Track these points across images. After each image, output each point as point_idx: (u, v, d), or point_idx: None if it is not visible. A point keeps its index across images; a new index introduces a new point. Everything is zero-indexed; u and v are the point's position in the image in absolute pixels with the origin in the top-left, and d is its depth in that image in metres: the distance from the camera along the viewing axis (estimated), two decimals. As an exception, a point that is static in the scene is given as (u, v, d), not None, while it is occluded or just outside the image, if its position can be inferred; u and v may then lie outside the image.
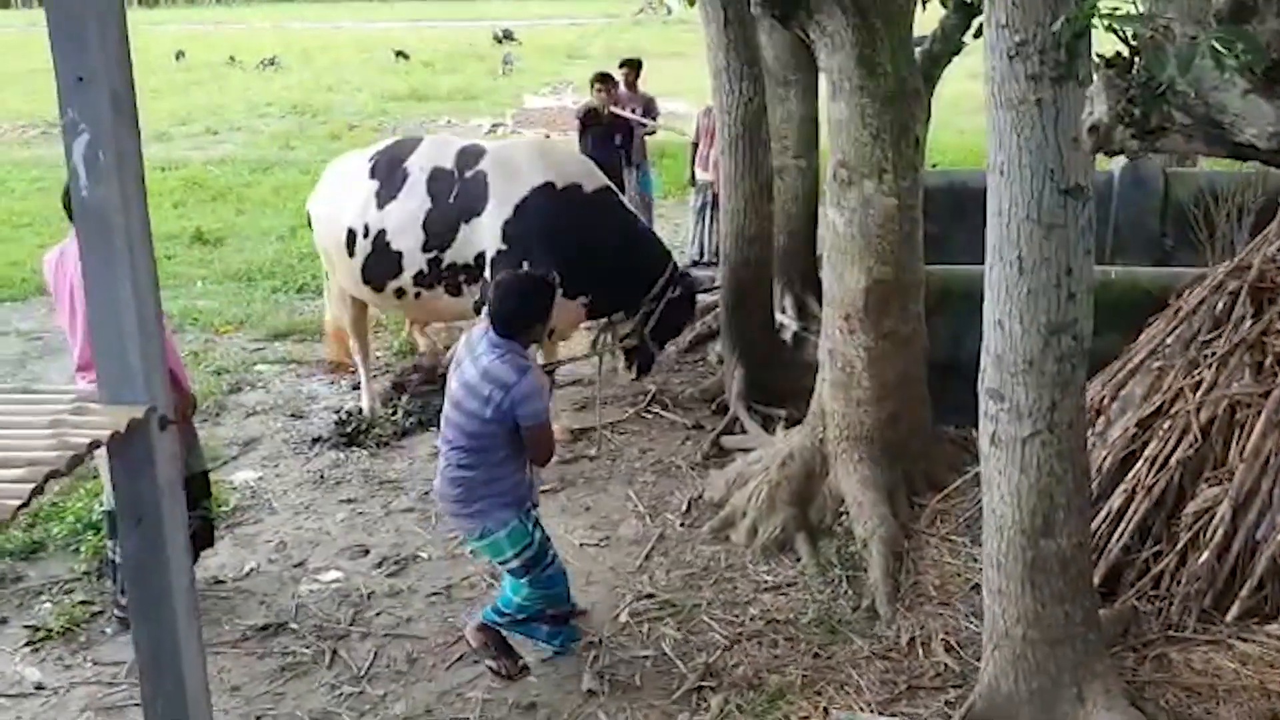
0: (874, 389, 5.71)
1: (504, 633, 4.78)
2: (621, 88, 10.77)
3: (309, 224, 7.48)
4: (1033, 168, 3.51)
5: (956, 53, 5.92)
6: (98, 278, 2.52)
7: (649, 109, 10.91)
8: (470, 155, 6.88)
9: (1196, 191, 8.18)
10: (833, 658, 4.75)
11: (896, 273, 5.61)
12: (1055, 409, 3.70)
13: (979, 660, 4.54)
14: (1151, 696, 4.20)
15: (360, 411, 7.37)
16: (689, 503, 6.10)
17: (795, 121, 8.75)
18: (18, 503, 2.06)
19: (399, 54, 30.32)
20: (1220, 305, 5.05)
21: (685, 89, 19.34)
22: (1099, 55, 2.64)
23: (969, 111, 16.14)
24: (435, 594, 5.39)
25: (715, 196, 10.19)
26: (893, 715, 4.35)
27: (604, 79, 10.20)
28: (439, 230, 6.72)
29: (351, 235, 6.89)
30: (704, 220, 10.67)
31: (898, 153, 5.48)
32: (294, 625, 5.14)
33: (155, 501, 2.60)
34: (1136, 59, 2.59)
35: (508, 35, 35.69)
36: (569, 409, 7.54)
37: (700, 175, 10.65)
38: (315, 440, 7.15)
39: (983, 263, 5.91)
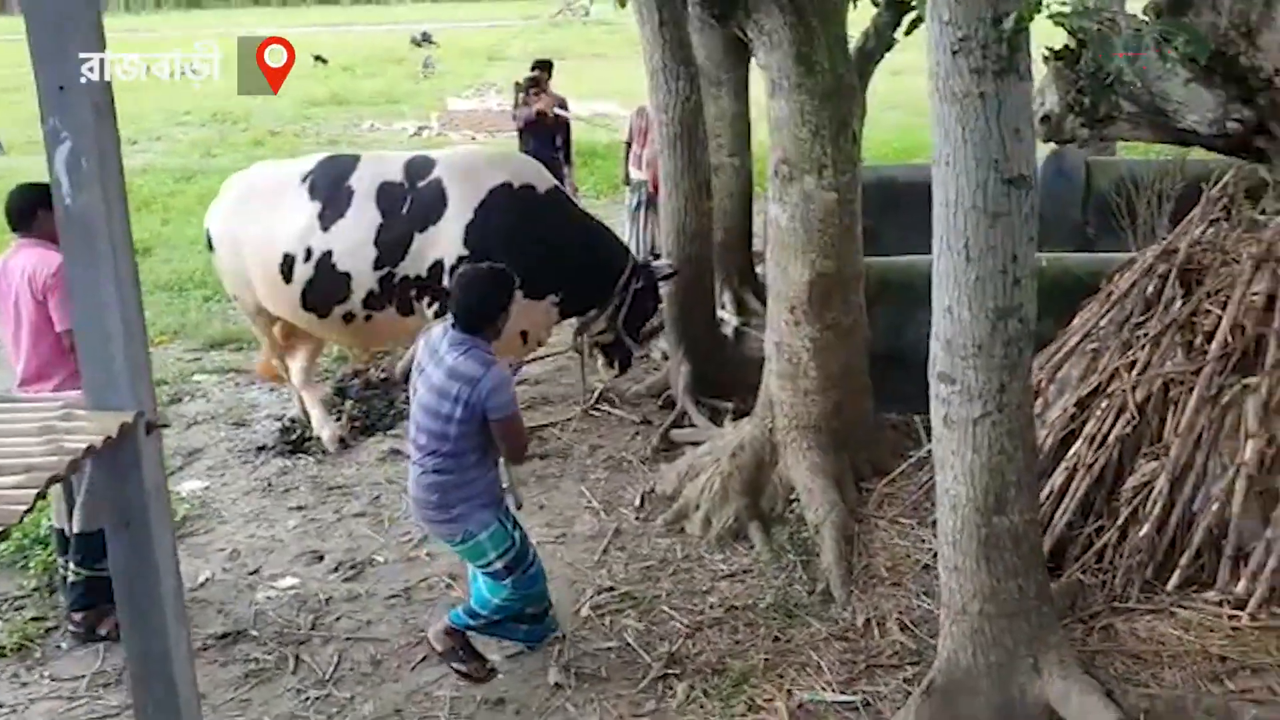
0: (820, 379, 5.84)
1: (471, 635, 4.77)
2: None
3: (209, 244, 7.00)
4: (978, 159, 3.64)
5: (889, 49, 6.07)
6: (82, 283, 2.54)
7: (562, 109, 11.03)
8: (420, 165, 6.76)
9: (1118, 180, 8.44)
10: (792, 641, 4.87)
11: (838, 265, 5.75)
12: (1004, 390, 3.84)
13: (934, 637, 4.69)
14: (1101, 665, 4.37)
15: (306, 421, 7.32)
16: (642, 497, 6.18)
17: (728, 120, 8.92)
18: (23, 508, 2.09)
19: (317, 58, 29.93)
20: (1150, 288, 5.25)
21: (611, 90, 19.45)
22: (1048, 49, 2.77)
23: (890, 107, 16.51)
24: (394, 596, 5.40)
25: (650, 195, 10.30)
26: (854, 694, 4.48)
27: (537, 82, 10.33)
28: (391, 245, 6.55)
29: (288, 261, 6.60)
30: (639, 219, 10.74)
31: (836, 148, 5.61)
32: (254, 632, 5.13)
33: (143, 505, 2.63)
34: (1084, 51, 2.72)
35: (426, 38, 35.45)
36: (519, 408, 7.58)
37: (635, 175, 10.72)
38: (260, 448, 7.11)
39: (915, 254, 6.12)
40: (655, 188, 10.02)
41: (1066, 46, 2.74)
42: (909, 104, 17.56)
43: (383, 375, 8.12)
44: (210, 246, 6.98)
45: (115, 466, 2.57)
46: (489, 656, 4.81)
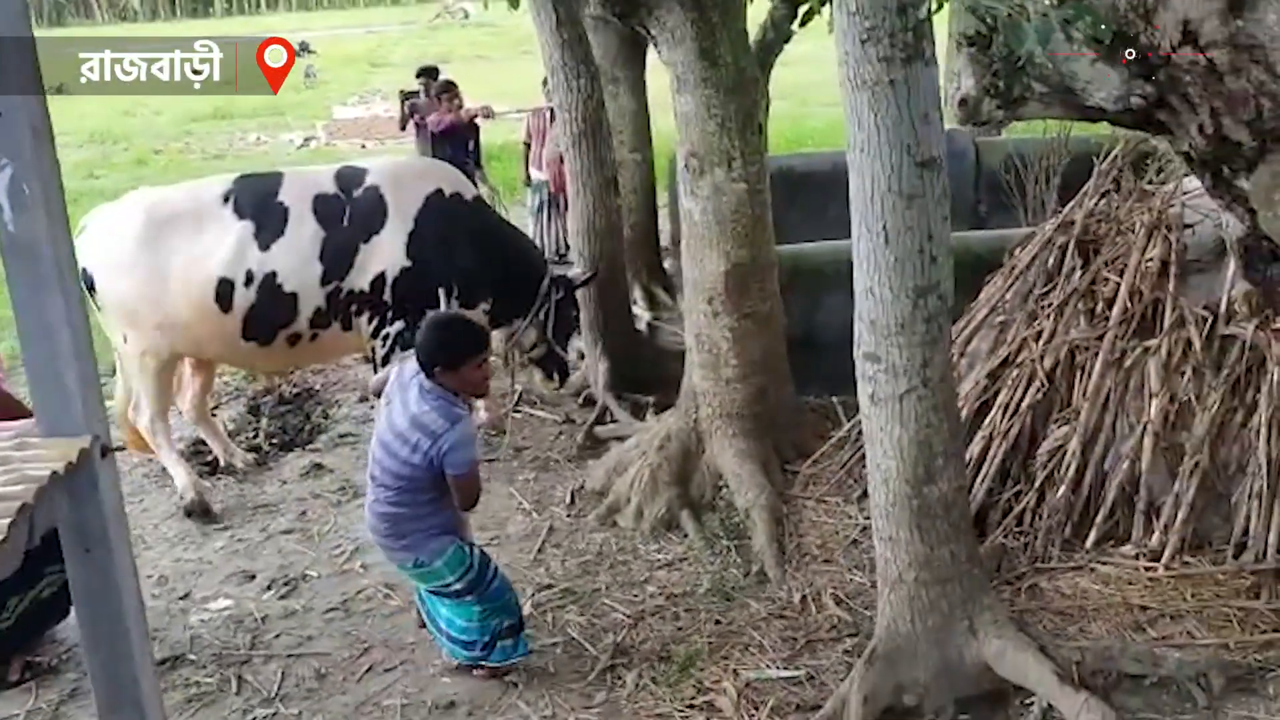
0: (741, 367, 5.96)
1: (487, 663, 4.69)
2: (422, 97, 10.92)
3: (90, 289, 6.09)
4: (891, 144, 3.78)
5: (787, 41, 6.22)
6: (29, 310, 2.51)
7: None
8: (352, 174, 6.49)
9: (1005, 158, 8.75)
10: (733, 623, 4.97)
11: (752, 254, 5.87)
12: (927, 365, 3.99)
13: (868, 609, 4.86)
14: (1031, 623, 4.56)
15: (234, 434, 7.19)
16: (572, 494, 6.24)
17: (628, 116, 9.02)
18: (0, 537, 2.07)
19: (194, 72, 29.27)
20: (1051, 260, 5.48)
21: (499, 92, 19.37)
22: (962, 34, 2.91)
23: (779, 98, 16.76)
24: (331, 610, 5.37)
25: (551, 195, 10.37)
26: (798, 669, 4.60)
27: (451, 87, 10.32)
28: (337, 257, 6.27)
29: (226, 286, 6.13)
30: (542, 219, 10.80)
31: (744, 140, 5.73)
32: (192, 656, 5.05)
33: (102, 529, 2.61)
34: (994, 36, 2.86)
35: (305, 47, 34.83)
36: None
37: (535, 175, 10.77)
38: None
39: (814, 241, 6.29)
40: (556, 187, 10.11)
41: (978, 31, 2.88)
42: (795, 94, 17.91)
43: (295, 390, 8.04)
44: (90, 287, 6.11)
45: (74, 492, 2.54)
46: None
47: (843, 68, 3.83)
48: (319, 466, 6.87)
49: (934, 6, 3.22)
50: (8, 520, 2.12)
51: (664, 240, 10.01)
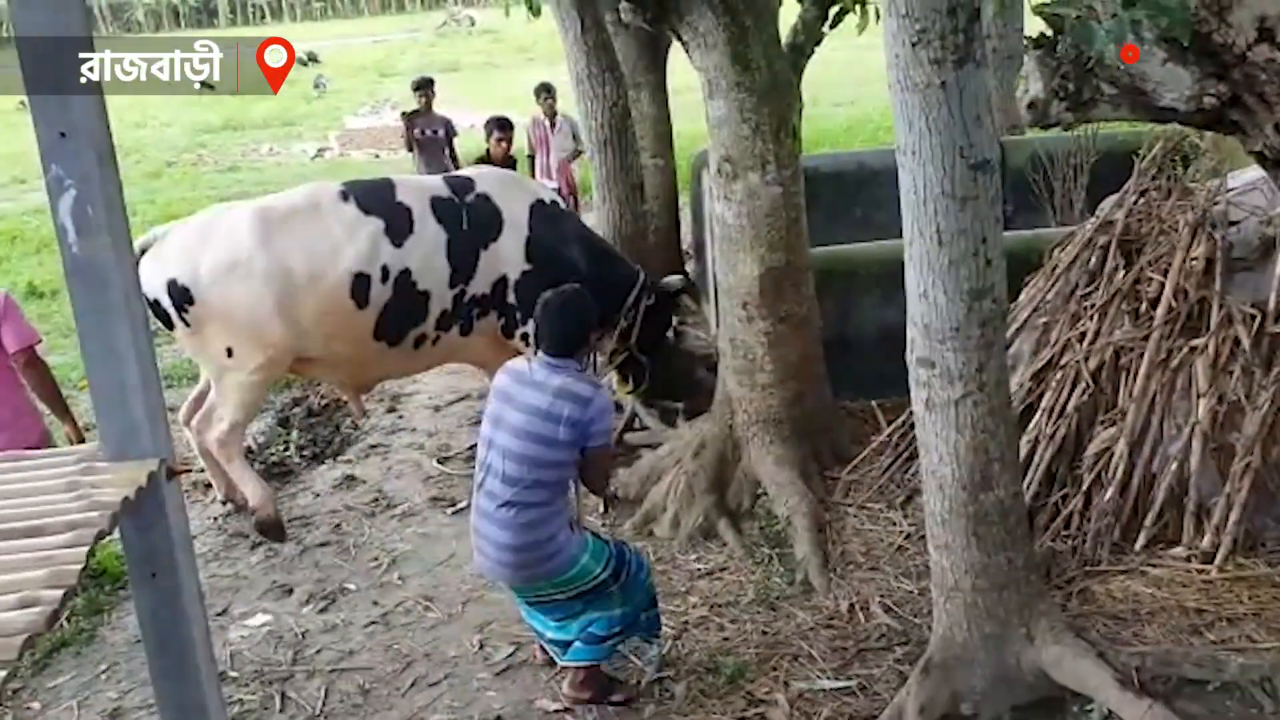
0: (777, 371, 5.91)
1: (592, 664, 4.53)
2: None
3: (183, 304, 5.87)
4: (943, 146, 3.73)
5: (818, 43, 6.17)
6: (94, 332, 2.48)
7: (449, 130, 10.57)
8: (461, 180, 6.51)
9: (1031, 157, 8.67)
10: (779, 633, 4.91)
11: (787, 258, 5.82)
12: (983, 370, 3.94)
13: (917, 617, 4.81)
14: (1084, 628, 4.50)
15: (252, 450, 7.14)
16: (605, 502, 6.18)
17: (649, 122, 8.98)
18: (79, 566, 2.03)
19: (204, 84, 29.33)
20: (1093, 260, 5.42)
21: (508, 99, 19.34)
22: (1028, 37, 2.86)
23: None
24: (372, 623, 5.33)
25: (565, 202, 10.30)
26: (849, 679, 4.55)
27: (503, 125, 9.20)
28: (462, 260, 6.22)
29: (363, 282, 6.00)
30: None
31: (778, 143, 5.69)
32: (233, 673, 5.01)
33: (169, 553, 2.58)
34: (1060, 39, 2.81)
35: (312, 58, 34.98)
36: (465, 425, 7.55)
37: (546, 185, 10.69)
38: (208, 485, 6.93)
39: (843, 242, 6.20)
40: (568, 190, 10.06)
41: (1043, 34, 2.83)
42: (804, 93, 17.80)
43: (323, 401, 8.01)
44: (187, 300, 5.85)
45: (140, 517, 2.51)
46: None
47: (892, 70, 3.78)
48: (351, 478, 6.84)
49: (990, 10, 3.17)
50: (85, 548, 2.08)
51: (684, 245, 9.97)
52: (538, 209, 6.49)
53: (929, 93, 3.69)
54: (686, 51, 5.79)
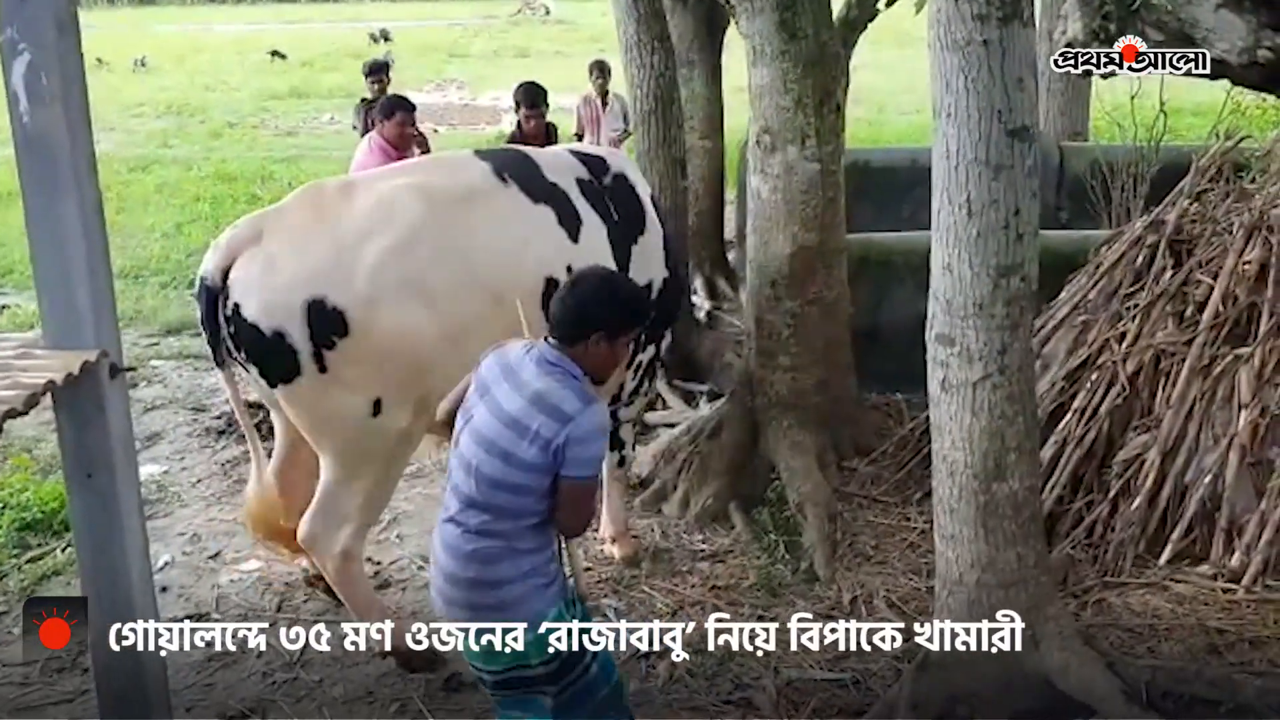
0: (801, 355, 5.71)
1: None
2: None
3: (331, 329, 3.99)
4: (980, 109, 3.52)
5: (873, 19, 5.96)
6: (41, 212, 2.36)
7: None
8: (593, 158, 5.02)
9: (1091, 164, 8.41)
10: (777, 619, 4.72)
11: (821, 238, 5.62)
12: (1005, 352, 3.72)
13: (922, 615, 4.58)
14: (1097, 639, 4.27)
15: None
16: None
17: (700, 102, 8.78)
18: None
19: (275, 54, 29.57)
20: (1140, 259, 5.18)
21: (576, 86, 19.25)
22: (1069, -26, 2.65)
23: (853, 102, 16.43)
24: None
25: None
26: (843, 672, 4.36)
27: (533, 98, 7.88)
28: (621, 258, 4.80)
29: (554, 289, 3.70)
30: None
31: (820, 118, 5.49)
32: (216, 615, 4.93)
33: (106, 454, 2.45)
34: (1106, -22, 2.60)
35: (384, 35, 35.14)
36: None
37: (596, 168, 10.47)
38: (220, 433, 6.87)
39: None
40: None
41: (1087, -29, 2.63)
42: (870, 99, 17.54)
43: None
44: (338, 330, 4.01)
45: (77, 411, 2.38)
46: None
47: (933, 29, 3.59)
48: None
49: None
50: (-10, 423, 1.95)
51: (728, 234, 9.75)
52: (657, 203, 5.25)
53: (970, 50, 3.49)
54: (733, 17, 5.62)
